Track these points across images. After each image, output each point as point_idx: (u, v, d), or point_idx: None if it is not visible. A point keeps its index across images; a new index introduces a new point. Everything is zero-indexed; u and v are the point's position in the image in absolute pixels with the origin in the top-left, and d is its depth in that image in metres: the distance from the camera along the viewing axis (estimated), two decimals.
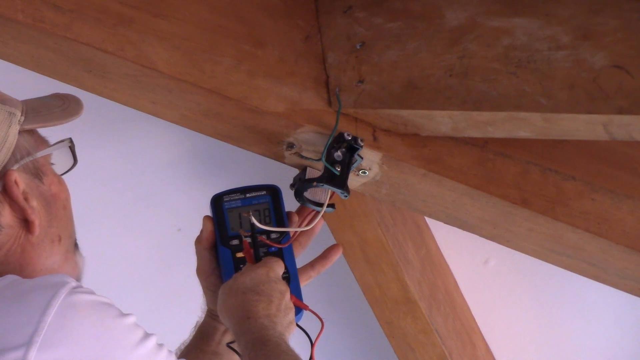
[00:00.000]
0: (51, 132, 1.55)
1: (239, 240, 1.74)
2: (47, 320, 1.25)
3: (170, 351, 1.36)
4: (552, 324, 2.82)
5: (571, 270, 2.05)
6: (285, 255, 1.74)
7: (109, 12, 1.66)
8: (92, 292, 1.32)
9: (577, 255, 1.96)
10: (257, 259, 1.68)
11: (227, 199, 1.78)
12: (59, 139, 1.55)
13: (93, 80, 1.73)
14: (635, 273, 1.96)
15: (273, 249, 1.74)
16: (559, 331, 2.83)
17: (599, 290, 2.24)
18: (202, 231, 1.77)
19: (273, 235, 1.75)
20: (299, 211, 1.82)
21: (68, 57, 1.68)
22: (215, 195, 1.79)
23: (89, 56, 1.67)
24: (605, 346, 2.81)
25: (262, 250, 1.72)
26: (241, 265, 1.72)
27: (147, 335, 1.32)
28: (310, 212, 1.81)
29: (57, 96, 1.58)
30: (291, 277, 1.73)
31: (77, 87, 1.75)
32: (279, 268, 1.66)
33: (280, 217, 1.77)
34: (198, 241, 1.77)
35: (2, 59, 1.72)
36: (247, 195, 1.78)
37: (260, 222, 1.71)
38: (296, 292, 1.71)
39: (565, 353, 2.86)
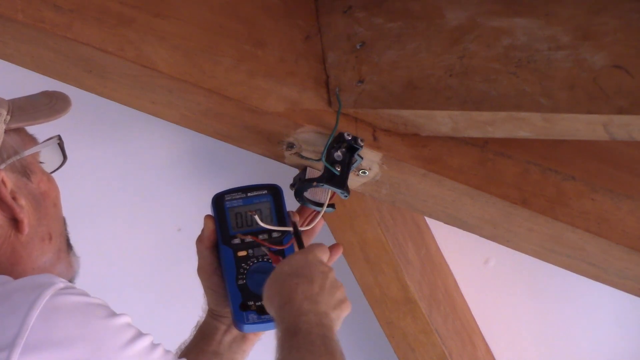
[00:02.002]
0: (49, 131, 1.55)
1: (240, 240, 1.74)
2: (29, 322, 1.22)
3: (167, 350, 1.34)
4: (552, 324, 2.82)
5: (571, 270, 2.05)
6: (286, 255, 1.73)
7: (109, 12, 1.66)
8: (81, 294, 1.30)
9: (577, 255, 1.96)
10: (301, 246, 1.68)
11: (229, 198, 1.78)
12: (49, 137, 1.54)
13: (93, 80, 1.73)
14: (635, 273, 1.96)
15: (274, 249, 1.74)
16: (559, 331, 2.82)
17: (599, 290, 2.24)
18: (203, 230, 1.76)
19: (274, 235, 1.75)
20: (299, 211, 1.82)
21: (68, 57, 1.68)
22: (216, 194, 1.79)
23: (89, 56, 1.67)
24: (605, 346, 2.81)
25: (263, 250, 1.72)
26: (243, 264, 1.72)
27: (139, 335, 1.30)
28: (310, 212, 1.81)
29: (45, 94, 1.57)
30: None
31: (77, 87, 1.75)
32: (319, 252, 1.63)
33: (281, 216, 1.77)
34: (199, 240, 1.77)
35: (2, 59, 1.72)
36: (249, 194, 1.78)
37: (262, 222, 1.71)
38: None
39: (565, 353, 2.85)
